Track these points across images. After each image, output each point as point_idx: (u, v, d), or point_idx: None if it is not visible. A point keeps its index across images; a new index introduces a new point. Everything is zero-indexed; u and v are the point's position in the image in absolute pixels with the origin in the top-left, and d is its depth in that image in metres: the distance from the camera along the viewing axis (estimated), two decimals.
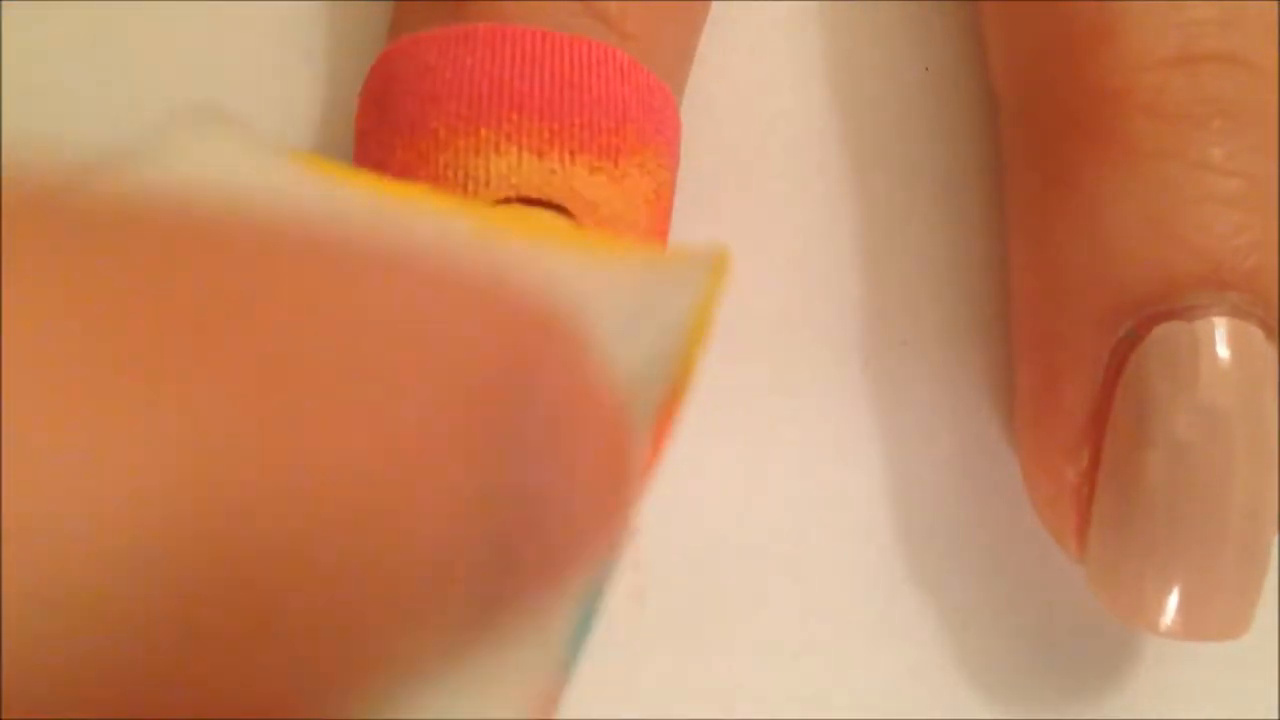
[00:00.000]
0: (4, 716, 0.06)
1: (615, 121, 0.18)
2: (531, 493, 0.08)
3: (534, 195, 0.17)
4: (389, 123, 0.18)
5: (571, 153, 0.18)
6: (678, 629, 0.19)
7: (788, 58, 0.22)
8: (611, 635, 0.19)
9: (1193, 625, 0.18)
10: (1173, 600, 0.18)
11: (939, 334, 0.21)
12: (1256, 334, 0.18)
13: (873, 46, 0.22)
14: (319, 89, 0.21)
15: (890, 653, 0.19)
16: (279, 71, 0.21)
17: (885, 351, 0.21)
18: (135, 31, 0.21)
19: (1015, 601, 0.20)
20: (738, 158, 0.22)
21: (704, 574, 0.20)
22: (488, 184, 0.17)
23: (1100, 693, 0.20)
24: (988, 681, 0.20)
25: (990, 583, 0.20)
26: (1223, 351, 0.18)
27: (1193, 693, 0.20)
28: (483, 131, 0.18)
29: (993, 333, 0.21)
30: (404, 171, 0.18)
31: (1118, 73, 0.18)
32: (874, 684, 0.19)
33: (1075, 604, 0.20)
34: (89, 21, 0.21)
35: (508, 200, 0.18)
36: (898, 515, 0.20)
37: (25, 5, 0.22)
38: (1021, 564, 0.20)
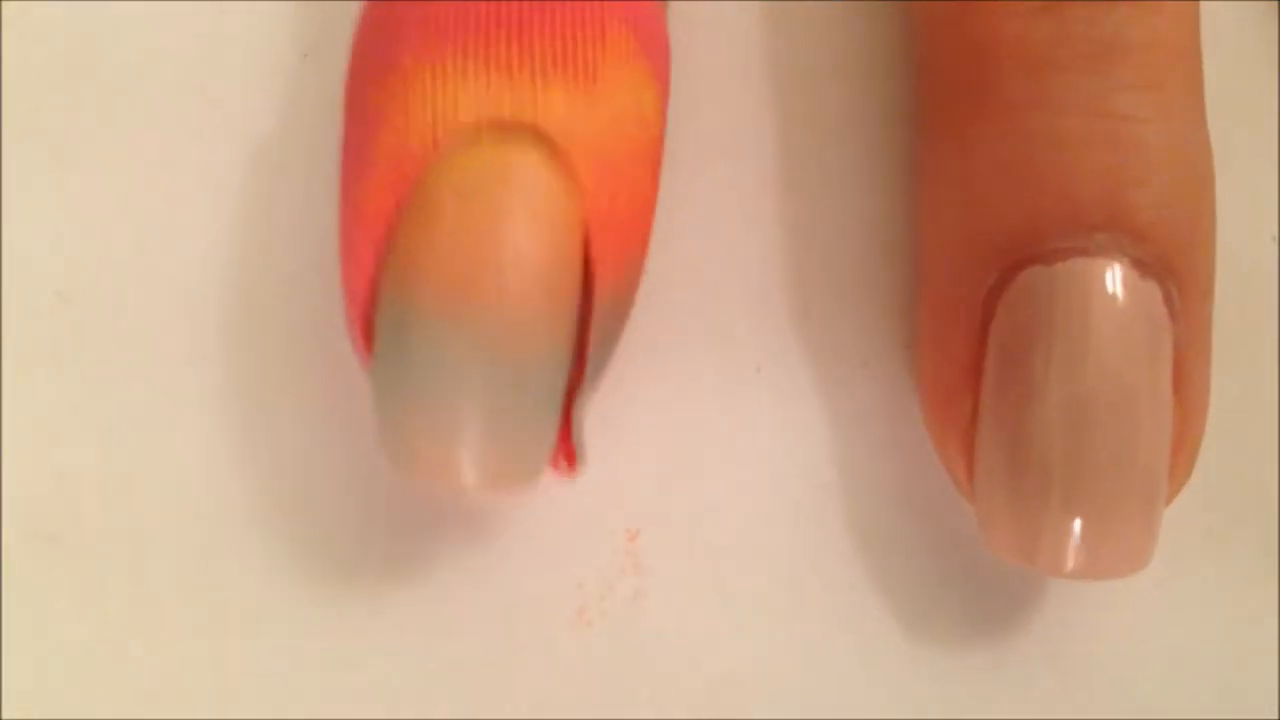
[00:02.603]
0: None
1: (591, 38, 0.17)
2: None
3: (505, 117, 0.17)
4: (362, 69, 0.18)
5: (544, 71, 0.17)
6: (676, 630, 0.19)
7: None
8: (609, 638, 0.19)
9: (1078, 567, 0.18)
10: (1047, 545, 0.17)
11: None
12: (1127, 273, 0.17)
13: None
14: (319, 89, 0.21)
15: (888, 645, 0.19)
16: (279, 71, 0.21)
17: (885, 355, 0.21)
18: (135, 31, 0.21)
19: (1014, 596, 0.20)
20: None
21: (704, 576, 0.20)
22: (455, 112, 0.17)
23: (1097, 693, 0.20)
24: (993, 688, 0.20)
25: (992, 593, 0.20)
26: (1084, 293, 0.17)
27: (1193, 692, 0.20)
28: (448, 58, 0.17)
29: None
30: (376, 113, 0.17)
31: (988, 25, 0.18)
32: (875, 679, 0.19)
33: (1081, 605, 0.20)
34: (89, 21, 0.21)
35: (478, 126, 0.17)
36: (902, 521, 0.20)
37: (25, 5, 0.22)
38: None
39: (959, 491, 0.19)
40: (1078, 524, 0.17)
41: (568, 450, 0.18)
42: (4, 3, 0.22)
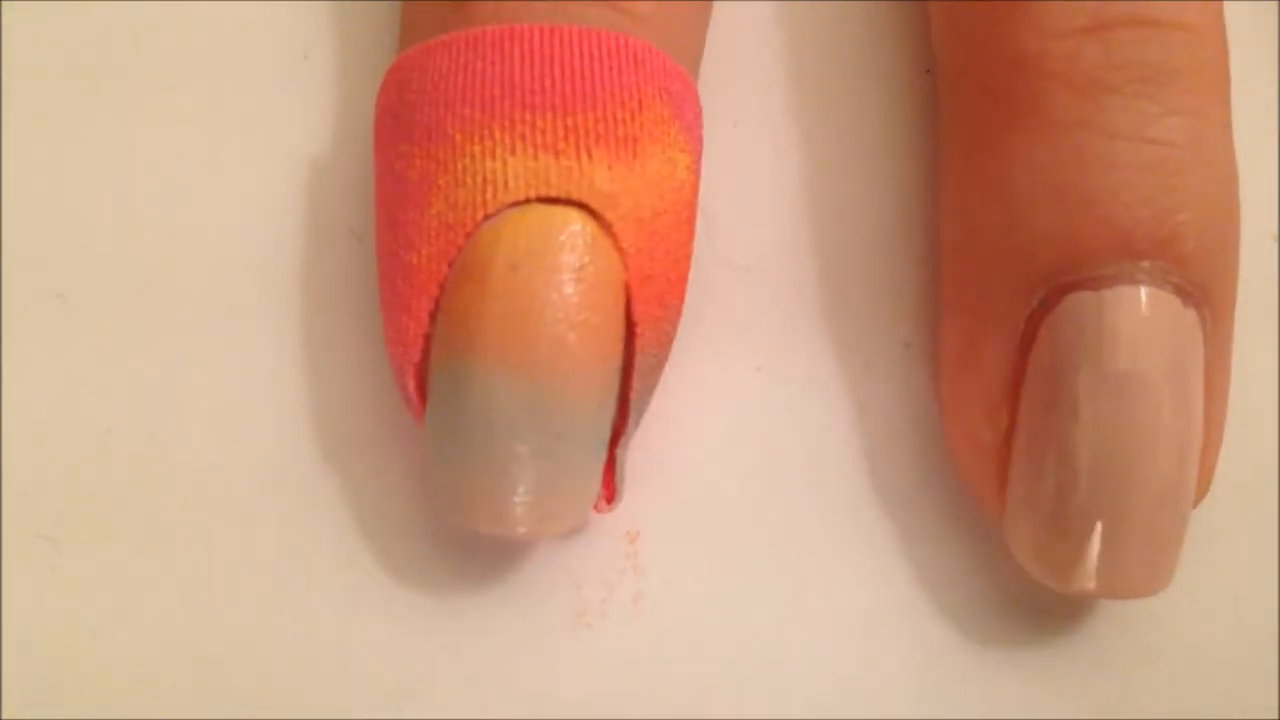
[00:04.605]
0: None
1: (630, 111, 0.18)
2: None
3: (553, 194, 0.17)
4: (406, 132, 0.18)
5: (588, 148, 0.17)
6: (676, 632, 0.19)
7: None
8: (609, 639, 0.19)
9: (1107, 586, 0.18)
10: (1083, 564, 0.18)
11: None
12: (1170, 300, 0.18)
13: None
14: (319, 89, 0.21)
15: (888, 646, 0.19)
16: (279, 71, 0.21)
17: (886, 355, 0.21)
18: (134, 32, 0.21)
19: (1014, 596, 0.20)
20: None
21: (704, 576, 0.20)
22: (506, 186, 0.17)
23: (1097, 692, 0.20)
24: (994, 689, 0.20)
25: (990, 592, 0.20)
26: (1129, 320, 0.17)
27: (1193, 692, 0.20)
28: (496, 133, 0.17)
29: None
30: (424, 180, 0.18)
31: (1033, 40, 0.18)
32: (874, 680, 0.19)
33: (1081, 605, 0.20)
34: (89, 21, 0.21)
35: (527, 200, 0.17)
36: (903, 516, 0.20)
37: (25, 5, 0.22)
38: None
39: (980, 506, 0.19)
40: (1114, 545, 0.18)
41: (609, 489, 0.19)
42: (4, 2, 0.22)
